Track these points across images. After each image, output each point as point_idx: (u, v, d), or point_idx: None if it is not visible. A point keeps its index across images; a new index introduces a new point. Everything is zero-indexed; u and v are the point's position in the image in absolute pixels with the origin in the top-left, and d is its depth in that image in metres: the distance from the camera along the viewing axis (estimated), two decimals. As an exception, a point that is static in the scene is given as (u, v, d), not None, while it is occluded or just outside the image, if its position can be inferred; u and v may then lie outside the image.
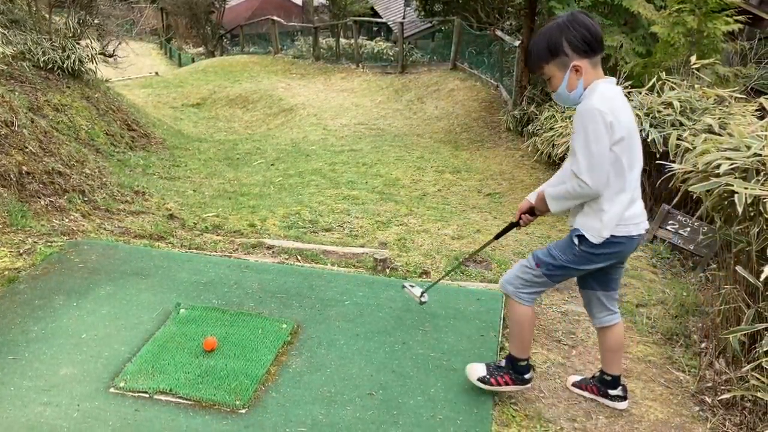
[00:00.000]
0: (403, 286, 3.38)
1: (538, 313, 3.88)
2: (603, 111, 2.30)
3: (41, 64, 7.15)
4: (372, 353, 3.24)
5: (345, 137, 11.36)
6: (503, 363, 2.89)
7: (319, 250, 4.71)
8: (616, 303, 2.87)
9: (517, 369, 2.84)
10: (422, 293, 3.23)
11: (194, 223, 5.29)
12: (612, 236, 2.48)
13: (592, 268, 2.61)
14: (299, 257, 4.57)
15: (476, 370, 2.89)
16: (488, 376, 2.85)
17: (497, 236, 3.03)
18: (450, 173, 8.45)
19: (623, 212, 2.49)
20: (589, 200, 2.47)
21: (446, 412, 2.79)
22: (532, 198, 2.76)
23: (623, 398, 3.00)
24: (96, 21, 9.01)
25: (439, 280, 3.45)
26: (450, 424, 2.74)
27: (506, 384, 2.85)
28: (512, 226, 2.92)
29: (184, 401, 2.80)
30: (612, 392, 2.98)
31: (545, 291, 2.87)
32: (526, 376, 2.86)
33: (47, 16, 8.11)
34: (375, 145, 10.27)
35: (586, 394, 3.04)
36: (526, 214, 2.78)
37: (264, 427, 2.66)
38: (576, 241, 2.55)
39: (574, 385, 3.11)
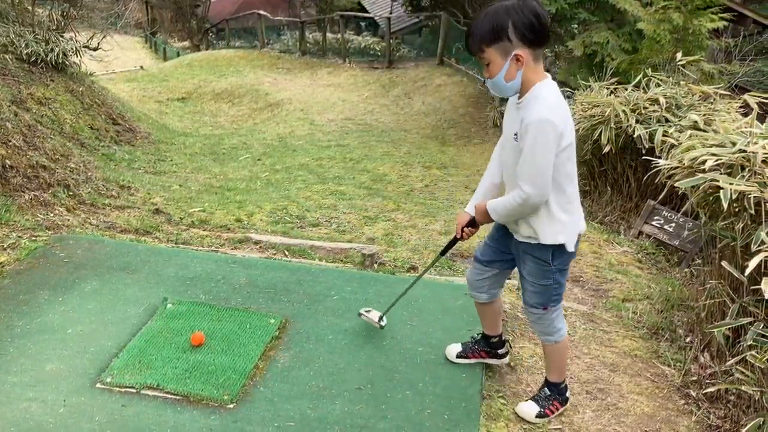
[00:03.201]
0: (360, 314, 3.35)
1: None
2: (555, 123, 2.22)
3: (24, 57, 7.05)
4: (360, 348, 3.23)
5: (332, 132, 11.33)
6: (548, 391, 2.88)
7: (306, 245, 4.70)
8: None
9: (562, 392, 2.90)
10: (380, 317, 3.24)
11: (180, 218, 5.26)
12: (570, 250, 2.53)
13: (567, 268, 2.64)
14: (287, 252, 4.55)
15: (530, 410, 2.84)
16: (542, 409, 2.84)
17: (442, 253, 3.00)
18: (437, 169, 8.46)
19: (578, 211, 2.54)
20: (543, 210, 2.43)
21: (434, 407, 2.80)
22: (470, 209, 2.70)
23: (506, 353, 3.18)
24: (80, 13, 8.89)
25: (398, 299, 3.26)
26: (438, 418, 2.74)
27: (557, 409, 2.88)
28: (454, 241, 2.86)
29: (172, 396, 2.78)
30: (501, 351, 3.14)
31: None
32: (568, 394, 2.95)
33: (30, 8, 7.99)
34: (362, 141, 10.25)
35: (473, 361, 3.12)
36: (468, 227, 2.70)
37: (252, 422, 2.66)
38: (548, 261, 2.54)
39: (459, 356, 3.15)
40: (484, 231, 2.86)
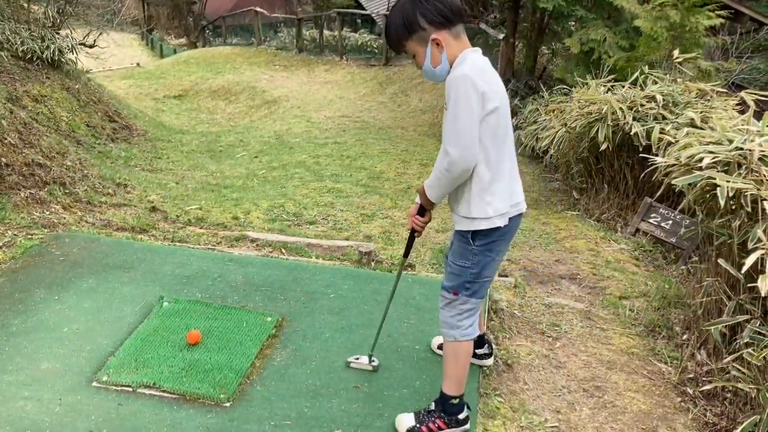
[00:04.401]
0: (348, 364, 3.06)
1: (522, 305, 3.89)
2: (474, 79, 2.16)
3: (20, 54, 7.02)
4: (357, 346, 3.23)
5: (329, 130, 11.32)
6: (433, 406, 2.65)
7: (303, 243, 4.69)
8: None
9: (449, 410, 2.60)
10: (370, 359, 3.02)
11: (177, 215, 5.25)
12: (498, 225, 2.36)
13: (496, 257, 2.48)
14: (283, 250, 4.55)
15: (404, 422, 2.63)
16: (418, 425, 2.60)
17: (405, 255, 2.82)
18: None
19: (508, 189, 2.38)
20: (468, 181, 2.30)
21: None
22: (418, 197, 2.58)
23: (489, 355, 3.11)
24: (76, 10, 8.86)
25: (380, 329, 3.03)
26: (435, 416, 2.74)
27: (439, 429, 2.59)
28: (412, 236, 2.72)
29: (168, 395, 2.78)
30: (479, 351, 3.05)
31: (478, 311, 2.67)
32: (461, 416, 2.61)
33: (26, 5, 7.96)
34: (359, 138, 10.24)
35: None
36: (417, 217, 2.57)
37: (248, 421, 2.65)
38: (469, 239, 2.41)
39: (439, 347, 3.13)
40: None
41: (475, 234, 2.39)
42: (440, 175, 2.28)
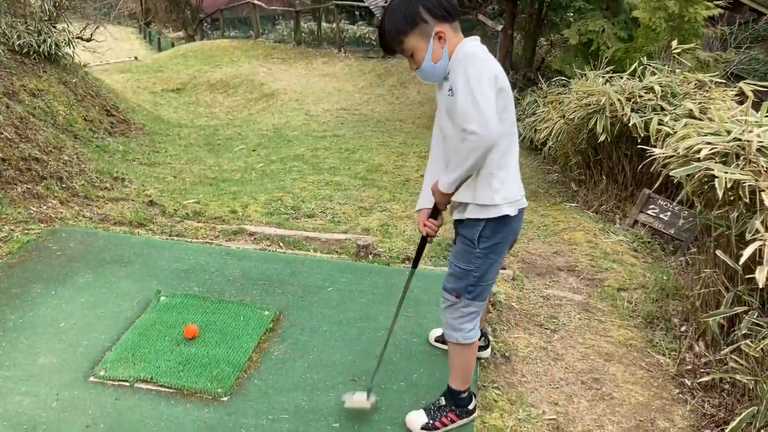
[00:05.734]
0: (345, 402, 2.73)
1: (520, 297, 3.89)
2: (486, 57, 2.15)
3: (16, 48, 6.98)
4: (355, 339, 3.23)
5: (327, 123, 11.29)
6: (443, 401, 2.66)
7: (301, 236, 4.69)
8: None
9: (459, 403, 2.65)
10: (368, 395, 2.70)
11: (174, 209, 5.23)
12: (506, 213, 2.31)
13: (499, 259, 2.45)
14: (281, 244, 4.54)
15: (417, 420, 2.63)
16: (431, 421, 2.62)
17: (414, 265, 2.70)
18: (433, 159, 8.41)
19: (516, 177, 2.34)
20: (480, 168, 2.23)
21: (429, 398, 2.79)
22: (424, 203, 2.53)
23: (486, 347, 3.11)
24: (72, 3, 8.81)
25: (381, 358, 2.80)
26: (433, 409, 2.74)
27: (452, 422, 2.63)
28: (423, 243, 2.63)
29: (165, 389, 2.78)
30: None
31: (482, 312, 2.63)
32: (470, 407, 2.67)
33: (22, -1, 7.93)
34: (357, 131, 10.22)
35: (445, 346, 2.96)
36: (430, 220, 2.49)
37: (246, 415, 2.65)
38: (474, 242, 2.36)
39: (437, 340, 3.16)
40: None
41: (481, 236, 2.35)
42: (464, 157, 2.13)
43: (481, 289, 2.47)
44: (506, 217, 2.32)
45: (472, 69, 2.10)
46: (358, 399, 2.70)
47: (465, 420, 2.66)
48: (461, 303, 2.48)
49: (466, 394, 2.64)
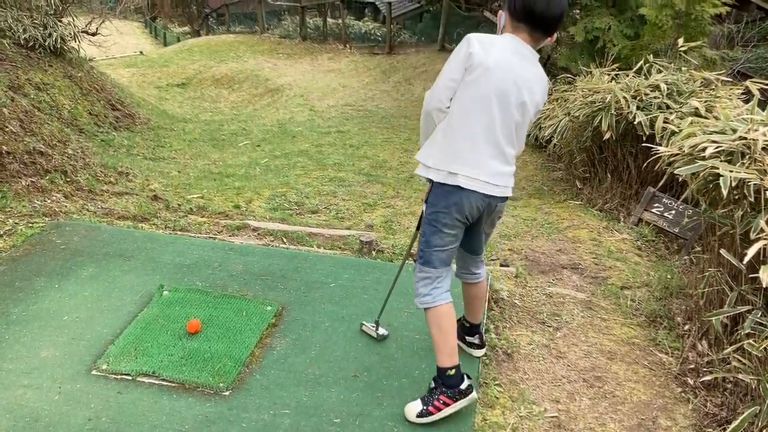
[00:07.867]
0: (361, 326, 3.29)
1: (523, 295, 3.89)
2: (471, 40, 2.36)
3: (22, 42, 7.00)
4: (357, 335, 3.23)
5: (332, 118, 11.29)
6: (433, 384, 2.64)
7: (304, 232, 4.69)
8: (480, 265, 2.88)
9: (448, 383, 2.57)
10: (376, 327, 3.22)
11: (178, 204, 5.24)
12: (442, 182, 2.44)
13: (443, 229, 2.49)
14: (284, 239, 4.54)
15: (412, 409, 2.62)
16: (425, 407, 2.59)
17: (418, 227, 2.72)
18: (437, 155, 8.40)
19: (462, 154, 2.40)
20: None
21: (430, 394, 2.79)
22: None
23: (480, 346, 3.10)
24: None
25: (389, 294, 3.18)
26: (434, 405, 2.73)
27: (446, 405, 2.56)
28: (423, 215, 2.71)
29: (167, 383, 2.78)
30: (468, 338, 3.07)
31: (443, 279, 2.61)
32: (463, 387, 2.57)
33: (28, -8, 7.93)
34: (362, 127, 10.21)
35: None
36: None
37: (248, 409, 2.65)
38: (423, 207, 2.57)
39: None
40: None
41: (428, 201, 2.53)
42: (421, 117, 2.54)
43: (429, 255, 2.56)
44: (451, 188, 2.43)
45: (456, 50, 2.41)
46: (369, 326, 3.22)
47: (461, 403, 2.57)
48: (416, 266, 2.63)
49: (453, 371, 2.55)
